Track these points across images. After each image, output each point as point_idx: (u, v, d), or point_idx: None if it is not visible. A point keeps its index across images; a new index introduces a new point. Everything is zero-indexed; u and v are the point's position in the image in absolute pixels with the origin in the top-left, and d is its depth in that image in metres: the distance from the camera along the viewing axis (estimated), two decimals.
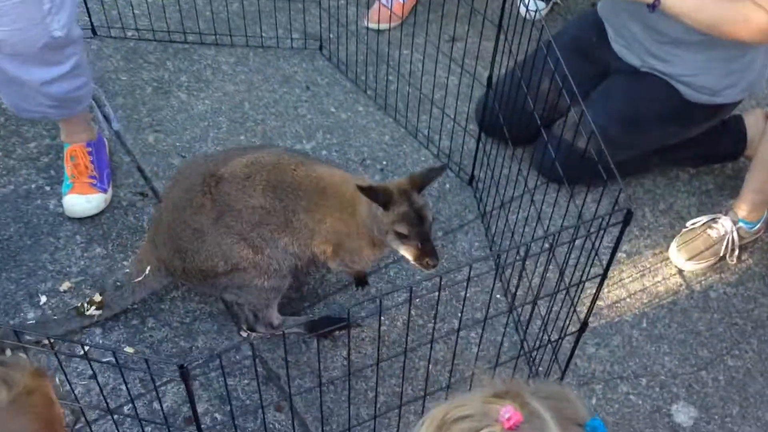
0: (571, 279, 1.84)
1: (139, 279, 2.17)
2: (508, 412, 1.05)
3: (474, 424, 1.07)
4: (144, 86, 2.90)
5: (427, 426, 1.13)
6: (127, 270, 2.25)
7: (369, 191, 1.89)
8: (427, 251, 1.93)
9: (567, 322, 1.91)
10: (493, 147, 2.55)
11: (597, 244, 1.71)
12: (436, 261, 1.94)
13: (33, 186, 2.57)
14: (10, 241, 2.42)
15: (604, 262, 1.75)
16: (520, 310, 2.31)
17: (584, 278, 1.73)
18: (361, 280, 2.36)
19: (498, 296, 2.41)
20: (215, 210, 2.01)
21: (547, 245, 1.70)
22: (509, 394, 1.11)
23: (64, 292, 2.33)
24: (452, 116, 2.66)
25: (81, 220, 2.48)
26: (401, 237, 1.94)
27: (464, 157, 2.71)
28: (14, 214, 2.49)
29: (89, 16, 2.98)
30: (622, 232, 1.57)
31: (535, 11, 2.69)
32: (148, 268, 2.16)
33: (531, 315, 1.98)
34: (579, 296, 1.87)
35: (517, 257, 2.20)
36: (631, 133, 2.44)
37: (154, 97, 2.87)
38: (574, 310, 1.88)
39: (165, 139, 2.74)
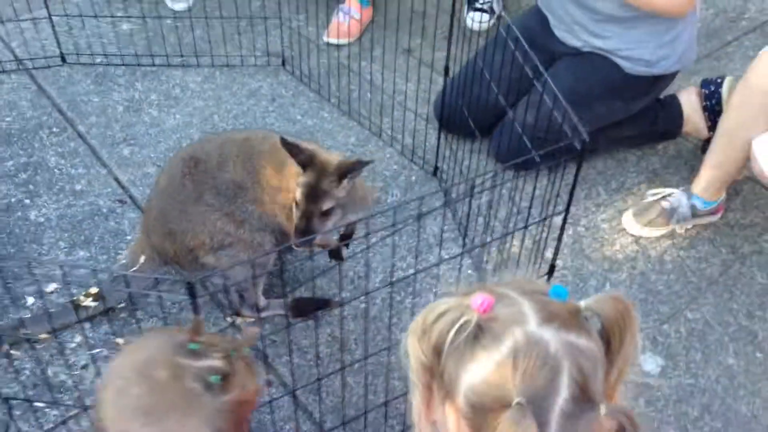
0: (532, 220, 1.97)
1: (135, 269, 2.25)
2: (480, 297, 1.14)
3: (451, 316, 1.14)
4: (115, 106, 3.02)
5: (411, 335, 1.20)
6: (123, 261, 2.33)
7: (289, 146, 1.97)
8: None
9: (536, 265, 2.05)
10: (454, 141, 2.72)
11: (558, 183, 1.86)
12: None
13: (13, 200, 2.65)
14: None
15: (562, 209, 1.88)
16: (486, 262, 2.44)
17: (548, 214, 1.87)
18: (335, 254, 2.43)
19: (470, 272, 2.54)
20: (196, 190, 2.13)
21: (504, 183, 1.83)
22: (478, 288, 1.20)
23: (51, 292, 2.39)
24: (414, 111, 2.84)
25: (61, 227, 2.55)
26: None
27: (427, 152, 2.88)
28: None
29: (58, 45, 3.12)
30: (580, 163, 1.73)
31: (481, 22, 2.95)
32: (143, 257, 2.25)
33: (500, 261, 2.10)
34: (545, 236, 1.99)
35: (473, 190, 2.27)
36: (578, 109, 2.62)
37: (126, 115, 2.99)
38: (539, 250, 2.01)
39: (139, 151, 2.85)
